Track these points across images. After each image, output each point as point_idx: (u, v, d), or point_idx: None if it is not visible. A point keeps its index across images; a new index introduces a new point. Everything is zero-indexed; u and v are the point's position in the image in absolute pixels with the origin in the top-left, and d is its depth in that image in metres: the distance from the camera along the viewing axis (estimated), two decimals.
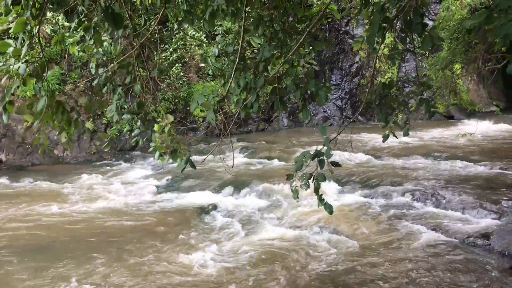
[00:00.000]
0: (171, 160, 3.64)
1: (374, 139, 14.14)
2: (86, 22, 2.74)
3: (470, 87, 18.35)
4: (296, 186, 3.30)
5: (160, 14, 3.41)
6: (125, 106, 3.48)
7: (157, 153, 3.50)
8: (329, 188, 9.05)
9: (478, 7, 16.61)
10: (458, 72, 17.13)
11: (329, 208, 3.30)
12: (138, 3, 4.03)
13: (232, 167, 4.35)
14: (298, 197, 3.35)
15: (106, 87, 3.49)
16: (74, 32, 3.27)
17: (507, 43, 2.42)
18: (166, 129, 3.37)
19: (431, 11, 18.39)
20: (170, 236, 7.30)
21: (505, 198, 7.69)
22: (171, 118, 3.44)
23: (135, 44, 3.35)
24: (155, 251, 6.70)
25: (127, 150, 14.89)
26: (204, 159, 4.03)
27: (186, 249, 6.71)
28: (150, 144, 3.66)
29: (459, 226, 6.89)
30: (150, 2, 3.79)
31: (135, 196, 9.71)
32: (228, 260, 6.29)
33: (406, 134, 3.68)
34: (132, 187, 10.46)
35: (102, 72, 3.42)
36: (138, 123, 3.55)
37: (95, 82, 3.74)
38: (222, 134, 3.57)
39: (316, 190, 3.27)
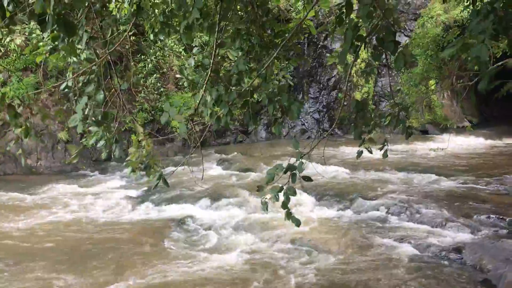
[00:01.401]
0: (148, 178, 3.59)
1: (351, 152, 14.27)
2: (55, 31, 2.71)
3: (444, 103, 18.75)
4: (266, 199, 3.28)
5: (131, 24, 3.38)
6: (93, 118, 3.42)
7: (130, 168, 3.44)
8: (305, 202, 9.08)
9: (452, 25, 17.07)
10: (432, 87, 17.51)
11: (296, 222, 3.30)
12: (115, 13, 4.00)
13: (202, 179, 4.31)
14: (267, 210, 3.33)
15: (71, 94, 3.43)
16: (47, 41, 3.23)
17: (478, 64, 2.49)
18: (144, 143, 3.32)
19: (407, 28, 18.79)
20: (141, 249, 7.18)
21: (477, 212, 7.83)
22: (141, 129, 3.39)
23: (102, 54, 3.31)
24: (123, 265, 6.57)
25: (103, 160, 14.67)
26: (173, 171, 4.00)
27: (155, 264, 6.59)
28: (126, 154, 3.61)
29: (432, 240, 6.97)
30: (125, 12, 3.77)
31: (109, 208, 9.55)
32: (199, 275, 6.21)
33: (385, 156, 3.73)
34: (106, 198, 10.29)
35: (68, 79, 3.37)
36: (106, 135, 3.49)
37: (63, 87, 3.67)
38: (193, 147, 3.55)
39: (284, 204, 3.26)
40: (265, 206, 3.31)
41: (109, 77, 3.45)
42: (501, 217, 7.58)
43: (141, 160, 3.37)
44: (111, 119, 3.60)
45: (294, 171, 3.16)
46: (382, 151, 3.74)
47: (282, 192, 3.23)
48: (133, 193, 10.75)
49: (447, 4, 17.57)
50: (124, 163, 3.53)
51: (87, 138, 3.66)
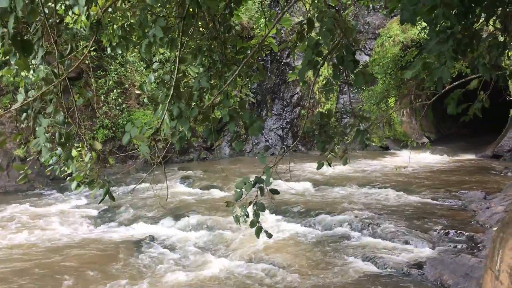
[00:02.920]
0: (92, 193, 3.45)
1: (314, 169, 14.36)
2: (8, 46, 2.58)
3: (403, 120, 19.25)
4: (236, 213, 3.26)
5: (91, 40, 3.28)
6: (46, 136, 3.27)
7: (74, 183, 3.29)
8: (268, 218, 9.02)
9: (410, 44, 17.63)
10: (392, 105, 17.97)
11: (267, 234, 3.30)
12: (71, 25, 3.87)
13: (166, 200, 4.20)
14: (240, 223, 3.31)
15: (25, 115, 3.27)
16: None
17: (440, 86, 2.55)
18: (86, 158, 3.19)
19: (367, 47, 19.27)
20: (99, 271, 6.91)
21: (436, 227, 7.98)
22: (99, 146, 3.27)
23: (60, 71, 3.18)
24: None
25: (61, 179, 14.17)
26: (133, 188, 3.87)
27: (114, 286, 6.36)
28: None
29: (394, 256, 7.04)
30: (81, 25, 3.66)
31: (67, 228, 9.19)
32: None
33: (345, 163, 3.75)
34: (64, 218, 9.90)
35: (27, 101, 3.20)
36: (58, 151, 3.34)
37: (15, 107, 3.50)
38: (155, 165, 3.44)
39: (253, 223, 3.22)
40: (237, 220, 3.29)
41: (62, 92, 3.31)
42: (459, 231, 7.76)
43: (85, 174, 3.23)
44: (72, 139, 3.45)
45: (262, 185, 3.15)
46: (342, 159, 3.76)
47: (251, 207, 3.20)
48: (93, 212, 10.40)
49: (404, 25, 18.16)
50: (68, 179, 3.38)
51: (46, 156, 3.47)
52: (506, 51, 2.94)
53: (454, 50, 2.30)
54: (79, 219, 9.84)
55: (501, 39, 2.96)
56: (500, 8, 2.42)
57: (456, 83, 4.57)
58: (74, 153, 3.26)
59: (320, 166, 3.72)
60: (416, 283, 6.21)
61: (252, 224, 3.29)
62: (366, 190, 11.17)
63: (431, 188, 11.04)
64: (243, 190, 3.17)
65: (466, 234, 7.66)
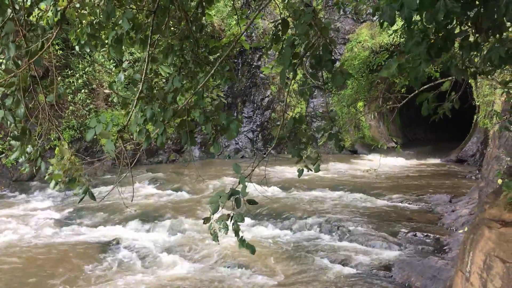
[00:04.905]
0: (73, 191, 3.29)
1: (285, 172, 14.41)
2: None
3: (372, 124, 19.53)
4: (215, 229, 3.10)
5: (54, 34, 3.14)
6: (15, 132, 3.11)
7: (53, 182, 3.13)
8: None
9: (378, 50, 17.94)
10: (361, 109, 18.23)
11: (251, 248, 3.13)
12: (35, 21, 3.71)
13: (132, 201, 4.07)
14: (218, 240, 3.13)
15: None
16: None
17: (417, 84, 2.56)
18: (66, 155, 3.04)
19: (336, 51, 19.50)
20: (61, 276, 6.67)
21: (404, 230, 8.10)
22: (67, 153, 3.11)
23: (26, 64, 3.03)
24: None
25: (25, 180, 13.70)
26: (109, 192, 3.72)
27: None
28: (47, 173, 3.31)
29: (363, 258, 7.09)
30: (47, 22, 3.51)
31: (29, 231, 8.86)
32: None
33: (317, 170, 3.71)
34: (27, 220, 9.56)
35: None
36: (28, 149, 3.18)
37: None
38: (123, 166, 3.32)
39: (236, 232, 3.10)
40: (216, 237, 3.10)
41: (31, 90, 3.16)
42: (426, 234, 7.90)
43: (65, 172, 3.08)
44: (30, 134, 3.29)
45: (238, 196, 3.01)
46: (314, 165, 3.70)
47: (230, 220, 3.05)
48: (57, 215, 10.08)
49: (373, 31, 18.48)
50: (46, 177, 3.20)
51: (8, 156, 3.31)
52: (477, 52, 2.97)
53: (428, 52, 2.32)
54: (42, 221, 9.52)
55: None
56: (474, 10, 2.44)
57: (425, 86, 4.63)
58: (56, 151, 3.10)
59: (300, 173, 3.64)
60: (385, 284, 6.26)
61: (236, 234, 3.13)
62: (335, 194, 11.25)
63: (399, 191, 11.21)
64: (219, 203, 3.02)
65: (433, 236, 7.80)
